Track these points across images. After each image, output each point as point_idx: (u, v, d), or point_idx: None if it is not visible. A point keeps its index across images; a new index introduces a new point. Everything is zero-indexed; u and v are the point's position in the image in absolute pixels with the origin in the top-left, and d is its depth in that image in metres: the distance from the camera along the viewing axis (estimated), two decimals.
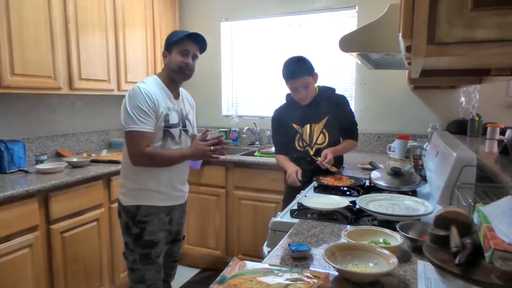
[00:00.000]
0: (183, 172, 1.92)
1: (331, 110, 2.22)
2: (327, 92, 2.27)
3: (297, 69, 2.09)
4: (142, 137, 1.68)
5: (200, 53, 1.85)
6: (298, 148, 2.24)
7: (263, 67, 3.56)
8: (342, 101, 2.28)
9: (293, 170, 2.08)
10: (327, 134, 2.22)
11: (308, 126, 2.23)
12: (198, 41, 1.81)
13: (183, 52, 1.77)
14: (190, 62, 1.79)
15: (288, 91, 2.25)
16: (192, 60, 1.81)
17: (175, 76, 1.81)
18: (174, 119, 1.80)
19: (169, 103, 1.79)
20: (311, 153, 2.21)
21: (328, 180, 1.92)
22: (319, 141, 2.22)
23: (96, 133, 3.21)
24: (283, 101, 2.40)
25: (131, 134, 1.67)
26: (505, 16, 0.69)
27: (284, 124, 2.27)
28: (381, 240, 1.13)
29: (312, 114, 2.22)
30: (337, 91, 2.33)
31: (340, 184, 1.87)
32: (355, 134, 2.33)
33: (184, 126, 1.88)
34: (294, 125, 2.25)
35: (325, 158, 2.04)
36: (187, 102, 1.97)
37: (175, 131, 1.81)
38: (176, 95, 1.87)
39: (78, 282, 2.28)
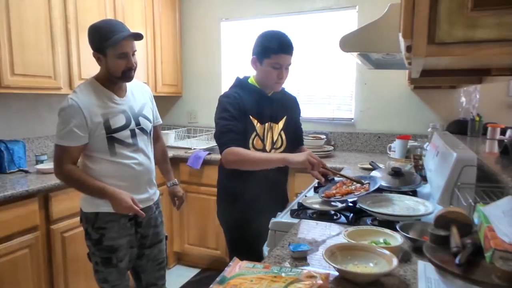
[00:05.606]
0: (149, 173, 1.79)
1: (289, 109, 1.89)
2: (283, 89, 1.89)
3: (291, 44, 1.76)
4: (64, 153, 1.59)
5: (138, 40, 1.65)
6: (254, 149, 1.75)
7: None
8: (296, 101, 2.00)
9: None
10: (284, 138, 1.84)
11: (268, 124, 1.78)
12: (135, 37, 1.63)
13: (122, 55, 1.59)
14: (132, 65, 1.63)
15: (243, 75, 1.84)
16: (133, 57, 1.64)
17: (117, 81, 1.67)
18: (118, 122, 1.65)
19: (109, 108, 1.64)
20: None
21: (332, 194, 1.58)
22: (276, 145, 1.82)
23: None
24: None
25: (55, 148, 1.61)
26: (505, 16, 0.69)
27: (244, 114, 1.73)
28: (381, 240, 1.13)
29: (273, 110, 1.80)
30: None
31: (349, 193, 1.57)
32: (303, 139, 2.05)
33: (138, 124, 1.73)
34: (253, 119, 1.75)
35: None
36: (139, 95, 1.79)
37: (122, 134, 1.66)
38: (122, 93, 1.71)
39: (78, 282, 2.27)
